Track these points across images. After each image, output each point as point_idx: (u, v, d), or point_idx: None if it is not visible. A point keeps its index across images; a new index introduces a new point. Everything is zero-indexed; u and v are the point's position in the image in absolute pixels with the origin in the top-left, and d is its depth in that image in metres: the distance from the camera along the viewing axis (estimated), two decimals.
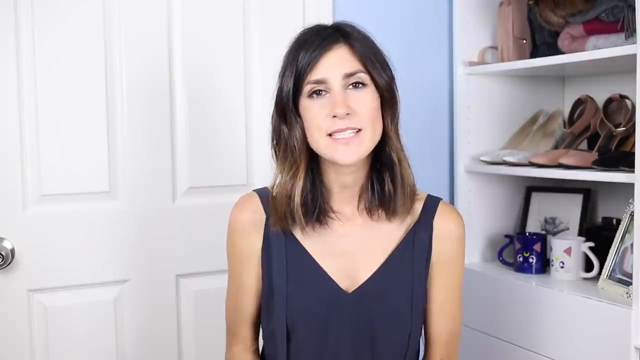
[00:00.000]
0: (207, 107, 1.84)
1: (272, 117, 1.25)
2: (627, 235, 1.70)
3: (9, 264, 1.66)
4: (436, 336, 1.32)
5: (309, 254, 1.26)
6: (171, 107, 1.81)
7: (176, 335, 1.84)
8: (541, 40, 1.98)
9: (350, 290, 1.25)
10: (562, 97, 2.15)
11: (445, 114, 2.14)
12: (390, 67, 1.23)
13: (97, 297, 1.76)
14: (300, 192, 1.22)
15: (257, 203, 1.29)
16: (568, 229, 2.01)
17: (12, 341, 1.68)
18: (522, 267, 1.92)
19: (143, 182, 1.78)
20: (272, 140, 1.26)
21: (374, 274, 1.25)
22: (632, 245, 1.59)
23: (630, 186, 1.56)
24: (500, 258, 2.01)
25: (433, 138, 2.13)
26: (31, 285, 1.69)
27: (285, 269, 1.26)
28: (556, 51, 1.87)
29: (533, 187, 2.11)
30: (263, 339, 1.34)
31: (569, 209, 2.02)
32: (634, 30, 1.57)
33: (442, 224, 1.29)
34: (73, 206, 1.72)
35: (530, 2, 1.97)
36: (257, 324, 1.35)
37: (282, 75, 1.21)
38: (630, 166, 1.57)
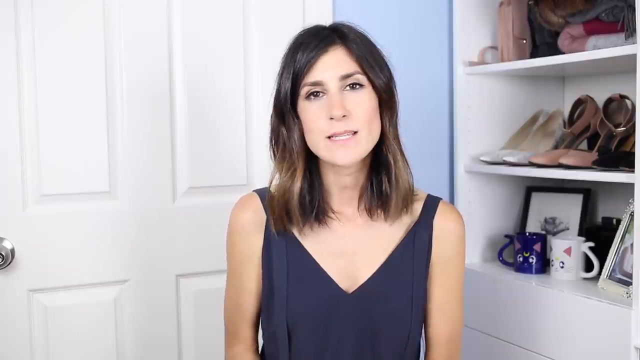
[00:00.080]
0: (207, 107, 1.84)
1: (271, 117, 1.25)
2: (627, 235, 1.70)
3: (9, 264, 1.66)
4: (436, 337, 1.32)
5: (309, 254, 1.26)
6: (171, 107, 1.81)
7: (176, 335, 1.84)
8: (541, 40, 1.98)
9: (351, 291, 1.25)
10: (562, 97, 2.15)
11: (445, 114, 2.14)
12: (389, 67, 1.24)
13: (97, 297, 1.76)
14: (298, 192, 1.22)
15: (257, 203, 1.29)
16: (568, 229, 2.01)
17: (12, 341, 1.68)
18: (522, 267, 1.92)
19: (143, 182, 1.78)
20: (271, 141, 1.26)
21: (374, 274, 1.25)
22: (632, 245, 1.59)
23: (630, 186, 1.56)
24: (500, 258, 2.01)
25: (433, 138, 2.13)
26: (31, 285, 1.69)
27: (286, 269, 1.26)
28: (556, 51, 1.87)
29: (533, 187, 2.11)
30: (263, 339, 1.34)
31: (569, 209, 2.02)
32: (634, 30, 1.57)
33: (442, 224, 1.29)
34: (73, 206, 1.72)
35: (530, 2, 1.97)
36: (257, 324, 1.35)
37: (280, 76, 1.22)
38: (630, 166, 1.57)
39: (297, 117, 1.21)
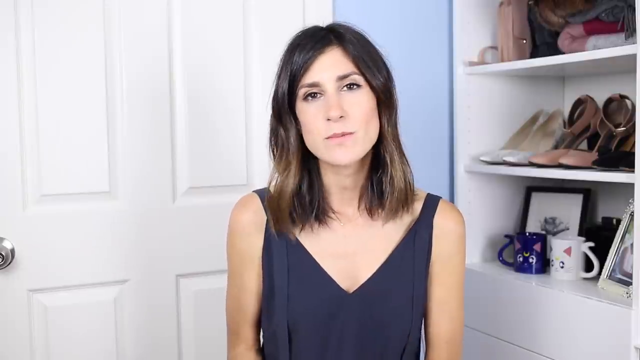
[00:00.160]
0: (207, 107, 1.84)
1: (270, 118, 1.25)
2: (627, 235, 1.70)
3: (9, 264, 1.66)
4: (437, 336, 1.31)
5: (309, 254, 1.26)
6: (171, 107, 1.81)
7: (176, 335, 1.84)
8: (541, 40, 1.98)
9: (351, 291, 1.25)
10: (562, 97, 2.15)
11: (445, 114, 2.14)
12: (387, 66, 1.23)
13: (97, 297, 1.76)
14: (296, 192, 1.22)
15: (257, 204, 1.29)
16: (568, 229, 2.01)
17: (12, 341, 1.68)
18: (522, 267, 1.92)
19: (143, 182, 1.78)
20: (270, 141, 1.26)
21: (375, 273, 1.25)
22: (632, 245, 1.59)
23: (630, 186, 1.56)
24: (500, 258, 2.01)
25: (433, 138, 2.13)
26: (31, 285, 1.69)
27: (287, 269, 1.26)
28: (556, 51, 1.87)
29: (533, 187, 2.11)
30: (263, 339, 1.34)
31: (569, 209, 2.02)
32: (634, 30, 1.57)
33: (443, 222, 1.29)
34: (73, 206, 1.72)
35: (530, 2, 1.97)
36: (259, 324, 1.35)
37: (278, 77, 1.22)
38: (630, 166, 1.57)
39: (295, 118, 1.21)
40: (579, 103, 2.00)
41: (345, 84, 1.18)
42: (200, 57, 1.83)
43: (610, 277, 1.71)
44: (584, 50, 1.75)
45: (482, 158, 2.01)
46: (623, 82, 1.86)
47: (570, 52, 1.79)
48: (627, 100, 1.85)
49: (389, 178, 1.23)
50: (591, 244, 1.83)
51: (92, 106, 1.73)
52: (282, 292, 1.25)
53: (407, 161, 1.25)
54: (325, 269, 1.25)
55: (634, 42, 1.55)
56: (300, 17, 1.91)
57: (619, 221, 1.76)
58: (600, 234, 1.87)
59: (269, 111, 1.25)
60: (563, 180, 1.96)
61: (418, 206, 1.29)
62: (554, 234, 2.02)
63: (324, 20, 1.31)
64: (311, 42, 1.19)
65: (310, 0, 1.93)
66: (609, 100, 1.88)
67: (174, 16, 1.80)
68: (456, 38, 2.07)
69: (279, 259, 1.26)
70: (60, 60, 1.69)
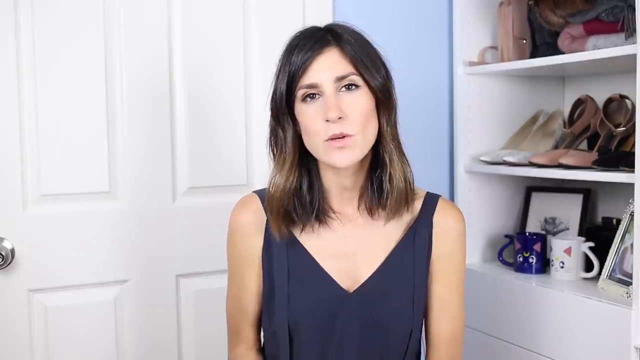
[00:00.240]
0: (207, 107, 1.84)
1: (269, 118, 1.25)
2: (627, 235, 1.70)
3: (9, 264, 1.66)
4: (437, 336, 1.31)
5: (310, 254, 1.26)
6: (171, 107, 1.81)
7: (176, 335, 1.84)
8: (541, 40, 1.98)
9: (352, 290, 1.25)
10: (562, 97, 2.15)
11: (445, 114, 2.14)
12: (386, 66, 1.23)
13: (97, 297, 1.76)
14: (296, 193, 1.23)
15: (257, 204, 1.29)
16: (568, 229, 2.01)
17: (12, 341, 1.68)
18: (522, 267, 1.92)
19: (143, 182, 1.78)
20: (270, 142, 1.26)
21: (375, 273, 1.25)
22: (632, 245, 1.59)
23: (630, 186, 1.56)
24: (500, 258, 2.01)
25: (433, 138, 2.13)
26: (31, 285, 1.69)
27: (287, 270, 1.26)
28: (556, 51, 1.87)
29: (533, 187, 2.11)
30: (264, 339, 1.34)
31: (569, 209, 2.02)
32: (634, 30, 1.57)
33: (442, 221, 1.29)
34: (73, 206, 1.72)
35: (530, 2, 1.97)
36: (259, 324, 1.35)
37: (277, 78, 1.22)
38: (630, 166, 1.57)
39: (294, 118, 1.21)
40: (579, 103, 2.00)
41: (343, 85, 1.18)
42: (200, 57, 1.83)
43: (610, 277, 1.71)
44: (584, 50, 1.75)
45: (482, 158, 2.01)
46: (623, 82, 1.86)
47: (570, 52, 1.79)
48: (627, 100, 1.85)
49: (388, 178, 1.23)
50: (591, 244, 1.83)
51: (92, 106, 1.73)
52: (282, 292, 1.25)
53: (406, 160, 1.25)
54: (326, 269, 1.25)
55: (634, 42, 1.55)
56: (300, 17, 1.91)
57: (619, 221, 1.76)
58: (600, 234, 1.87)
59: (268, 112, 1.25)
60: (563, 180, 1.96)
61: (417, 205, 1.29)
62: (554, 234, 2.02)
63: (324, 20, 1.31)
64: (309, 42, 1.18)
65: (310, 0, 1.93)
66: (609, 100, 1.88)
67: (174, 16, 1.80)
68: (456, 38, 2.07)
69: (279, 259, 1.26)
70: (60, 60, 1.69)
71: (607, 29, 1.74)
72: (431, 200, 1.31)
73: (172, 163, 1.82)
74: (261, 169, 1.85)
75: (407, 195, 1.25)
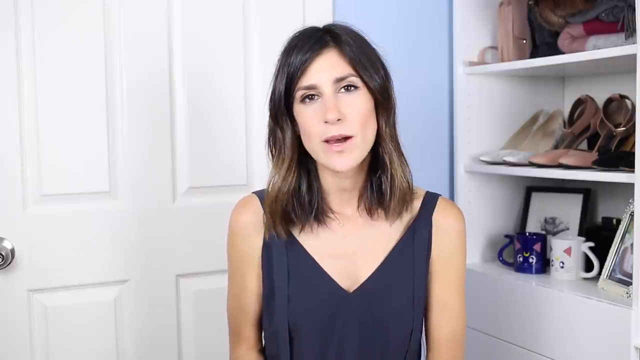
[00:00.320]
0: (207, 107, 1.84)
1: (268, 119, 1.25)
2: (627, 235, 1.70)
3: (9, 264, 1.66)
4: (438, 336, 1.31)
5: (309, 255, 1.26)
6: (171, 107, 1.81)
7: (176, 335, 1.84)
8: (541, 40, 1.98)
9: (352, 290, 1.25)
10: (562, 97, 2.15)
11: (445, 114, 2.14)
12: (385, 67, 1.23)
13: (97, 297, 1.76)
14: (295, 193, 1.23)
15: (257, 205, 1.29)
16: (568, 229, 2.01)
17: (12, 341, 1.68)
18: (522, 267, 1.92)
19: (143, 182, 1.78)
20: (269, 142, 1.26)
21: (374, 272, 1.25)
22: (632, 245, 1.59)
23: (630, 186, 1.56)
24: (500, 258, 2.01)
25: (433, 138, 2.13)
26: (31, 285, 1.69)
27: (286, 270, 1.26)
28: (556, 51, 1.87)
29: (533, 187, 2.11)
30: (265, 339, 1.34)
31: (569, 209, 2.02)
32: (634, 30, 1.57)
33: (442, 220, 1.29)
34: (73, 206, 1.72)
35: (530, 2, 1.97)
36: (260, 324, 1.35)
37: (275, 78, 1.22)
38: (630, 166, 1.57)
39: (292, 119, 1.22)
40: (579, 103, 2.00)
41: (342, 86, 1.18)
42: (200, 57, 1.83)
43: (610, 277, 1.71)
44: (584, 50, 1.75)
45: (482, 158, 2.01)
46: (623, 82, 1.86)
47: (570, 52, 1.79)
48: (627, 100, 1.85)
49: (389, 179, 1.23)
50: (591, 244, 1.83)
51: (92, 106, 1.73)
52: (282, 293, 1.25)
53: (405, 161, 1.25)
54: (325, 269, 1.25)
55: (634, 42, 1.55)
56: (300, 17, 1.91)
57: (619, 221, 1.76)
58: (600, 234, 1.87)
59: (267, 112, 1.25)
60: (563, 180, 1.96)
61: (417, 204, 1.29)
62: (554, 234, 2.02)
63: (324, 20, 1.31)
64: (308, 43, 1.18)
65: (310, 0, 1.93)
66: (609, 100, 1.88)
67: (174, 16, 1.80)
68: (456, 38, 2.07)
69: (278, 260, 1.26)
70: (60, 60, 1.69)
71: (607, 29, 1.74)
72: (431, 200, 1.30)
73: (172, 163, 1.82)
74: (261, 169, 1.85)
75: (406, 195, 1.25)
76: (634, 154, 1.55)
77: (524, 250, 1.92)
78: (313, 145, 1.19)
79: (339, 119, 1.16)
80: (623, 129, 1.79)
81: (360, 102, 1.18)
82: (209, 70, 1.84)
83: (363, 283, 1.25)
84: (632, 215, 1.64)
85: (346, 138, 1.16)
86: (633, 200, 1.57)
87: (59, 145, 1.70)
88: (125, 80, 1.75)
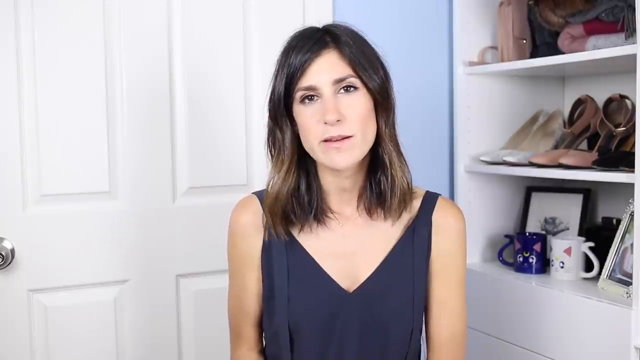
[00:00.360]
0: (207, 107, 1.84)
1: (267, 119, 1.25)
2: (627, 235, 1.70)
3: (9, 264, 1.66)
4: (438, 335, 1.30)
5: (309, 255, 1.26)
6: (171, 107, 1.81)
7: (176, 335, 1.84)
8: (541, 40, 1.98)
9: (351, 290, 1.25)
10: (562, 97, 2.15)
11: (445, 114, 2.14)
12: (385, 67, 1.23)
13: (97, 297, 1.76)
14: (295, 193, 1.23)
15: (257, 205, 1.29)
16: (568, 229, 2.01)
17: (12, 341, 1.68)
18: (522, 267, 1.92)
19: (143, 182, 1.78)
20: (268, 142, 1.26)
21: (374, 272, 1.25)
22: (632, 245, 1.59)
23: (630, 186, 1.56)
24: (500, 258, 2.01)
25: (433, 138, 2.13)
26: (31, 285, 1.69)
27: (286, 270, 1.26)
28: (556, 51, 1.87)
29: (533, 187, 2.11)
30: (265, 340, 1.34)
31: (569, 209, 2.02)
32: (634, 30, 1.57)
33: (442, 219, 1.29)
34: (73, 206, 1.72)
35: (530, 2, 1.97)
36: (261, 325, 1.35)
37: (275, 78, 1.22)
38: (630, 166, 1.57)
39: (291, 119, 1.22)
40: (579, 103, 2.00)
41: (341, 87, 1.18)
42: (200, 57, 1.83)
43: (610, 277, 1.71)
44: (584, 50, 1.75)
45: (482, 158, 2.01)
46: (623, 82, 1.86)
47: (570, 52, 1.79)
48: (627, 100, 1.85)
49: (389, 179, 1.23)
50: (591, 244, 1.83)
51: (92, 106, 1.73)
52: (282, 293, 1.25)
53: (404, 161, 1.25)
54: (325, 269, 1.25)
55: (634, 42, 1.55)
56: (300, 17, 1.91)
57: (619, 221, 1.76)
58: (600, 234, 1.87)
59: (267, 112, 1.25)
60: (563, 180, 1.96)
61: (416, 203, 1.29)
62: (554, 234, 2.02)
63: (324, 21, 1.31)
64: (307, 44, 1.18)
65: (310, 0, 1.93)
66: (609, 100, 1.88)
67: (174, 16, 1.80)
68: (456, 38, 2.07)
69: (278, 260, 1.26)
70: (60, 60, 1.69)
71: (607, 29, 1.74)
72: (430, 199, 1.30)
73: (172, 163, 1.82)
74: (261, 169, 1.85)
75: (405, 195, 1.25)
76: (634, 154, 1.55)
77: (524, 250, 1.92)
78: (312, 145, 1.19)
79: (338, 120, 1.16)
80: (623, 129, 1.79)
81: (359, 103, 1.18)
82: (209, 70, 1.84)
83: (363, 283, 1.25)
84: (632, 215, 1.64)
85: (346, 138, 1.17)
86: (633, 200, 1.57)
87: (59, 145, 1.70)
88: (125, 80, 1.75)
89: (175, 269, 1.83)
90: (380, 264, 1.26)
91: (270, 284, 1.27)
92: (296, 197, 1.23)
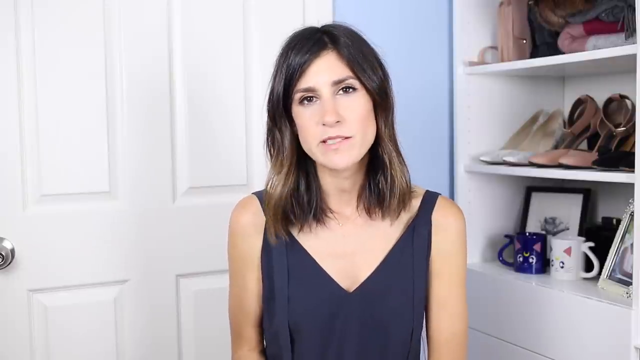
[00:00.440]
0: (207, 107, 1.84)
1: (266, 119, 1.25)
2: (627, 235, 1.70)
3: (9, 264, 1.66)
4: (438, 335, 1.30)
5: (309, 255, 1.26)
6: (171, 107, 1.81)
7: (176, 335, 1.84)
8: (541, 40, 1.98)
9: (351, 290, 1.25)
10: (562, 97, 2.15)
11: (445, 114, 2.14)
12: (384, 67, 1.23)
13: (97, 297, 1.76)
14: (294, 193, 1.23)
15: (257, 206, 1.29)
16: (568, 229, 2.01)
17: (12, 341, 1.68)
18: (522, 267, 1.92)
19: (143, 182, 1.78)
20: (267, 142, 1.26)
21: (374, 272, 1.25)
22: (632, 245, 1.59)
23: (630, 186, 1.56)
24: (500, 258, 2.01)
25: (433, 138, 2.13)
26: (31, 285, 1.69)
27: (286, 270, 1.26)
28: (556, 51, 1.87)
29: (533, 187, 2.11)
30: (266, 340, 1.34)
31: (569, 209, 2.02)
32: (634, 30, 1.57)
33: (442, 219, 1.29)
34: (73, 206, 1.72)
35: (530, 2, 1.97)
36: (262, 325, 1.34)
37: (274, 79, 1.22)
38: (630, 166, 1.57)
39: (290, 120, 1.21)
40: (579, 103, 2.00)
41: (340, 88, 1.18)
42: (200, 57, 1.83)
43: (610, 277, 1.71)
44: (584, 50, 1.75)
45: (482, 158, 2.01)
46: (623, 82, 1.86)
47: (570, 52, 1.79)
48: (627, 100, 1.85)
49: (389, 179, 1.23)
50: (591, 244, 1.83)
51: (92, 106, 1.73)
52: (282, 293, 1.25)
53: (403, 161, 1.25)
54: (325, 269, 1.25)
55: (634, 42, 1.55)
56: (300, 17, 1.91)
57: (619, 221, 1.76)
58: (600, 234, 1.87)
59: (266, 112, 1.25)
60: (563, 180, 1.96)
61: (416, 203, 1.29)
62: (554, 234, 2.02)
63: (323, 21, 1.30)
64: (306, 45, 1.18)
65: (310, 0, 1.92)
66: (609, 100, 1.88)
67: (174, 16, 1.80)
68: (456, 38, 2.07)
69: (278, 260, 1.26)
70: (60, 60, 1.69)
71: (607, 29, 1.74)
72: (430, 199, 1.30)
73: (172, 163, 1.82)
74: (261, 169, 1.85)
75: (404, 195, 1.25)
76: (634, 154, 1.55)
77: (524, 250, 1.92)
78: (311, 146, 1.19)
79: (337, 122, 1.16)
80: (623, 129, 1.79)
81: (358, 104, 1.18)
82: (209, 70, 1.84)
83: (363, 283, 1.25)
84: (632, 215, 1.64)
85: (345, 138, 1.17)
86: (633, 200, 1.57)
87: (59, 145, 1.70)
88: (125, 80, 1.75)
89: (175, 269, 1.83)
90: (380, 263, 1.26)
91: (270, 284, 1.27)
92: (296, 197, 1.23)
